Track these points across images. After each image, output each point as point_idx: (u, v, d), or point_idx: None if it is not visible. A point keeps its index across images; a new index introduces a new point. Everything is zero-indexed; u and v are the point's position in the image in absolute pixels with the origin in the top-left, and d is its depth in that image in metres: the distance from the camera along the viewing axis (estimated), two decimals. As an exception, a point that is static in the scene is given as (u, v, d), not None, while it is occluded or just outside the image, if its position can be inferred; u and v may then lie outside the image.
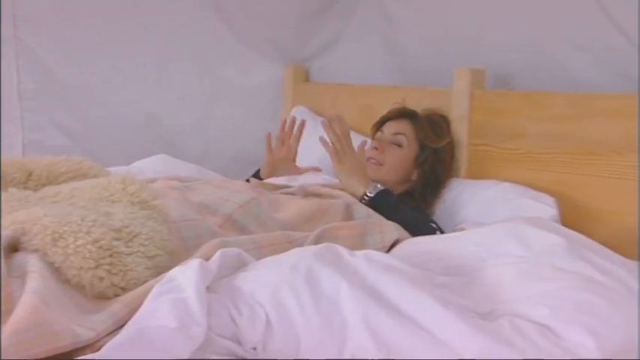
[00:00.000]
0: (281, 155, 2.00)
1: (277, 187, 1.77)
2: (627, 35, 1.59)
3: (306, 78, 2.54)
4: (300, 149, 2.26)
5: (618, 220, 1.48)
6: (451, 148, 1.84)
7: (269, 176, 1.97)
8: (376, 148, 1.80)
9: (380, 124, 1.88)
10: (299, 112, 2.42)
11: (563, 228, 1.29)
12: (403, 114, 1.85)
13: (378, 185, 1.68)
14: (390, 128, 1.84)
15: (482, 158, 1.80)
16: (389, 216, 1.53)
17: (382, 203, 1.61)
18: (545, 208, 1.53)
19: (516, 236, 1.21)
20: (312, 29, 2.45)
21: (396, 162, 1.79)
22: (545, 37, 1.77)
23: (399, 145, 1.80)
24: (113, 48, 2.24)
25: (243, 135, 2.49)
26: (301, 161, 2.20)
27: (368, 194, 1.65)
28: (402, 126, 1.82)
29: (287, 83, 2.52)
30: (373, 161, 1.79)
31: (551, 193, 1.57)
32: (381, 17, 2.24)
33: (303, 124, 2.00)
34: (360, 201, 1.64)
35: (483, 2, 1.91)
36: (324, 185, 1.75)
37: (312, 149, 2.21)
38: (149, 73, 2.32)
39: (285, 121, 2.02)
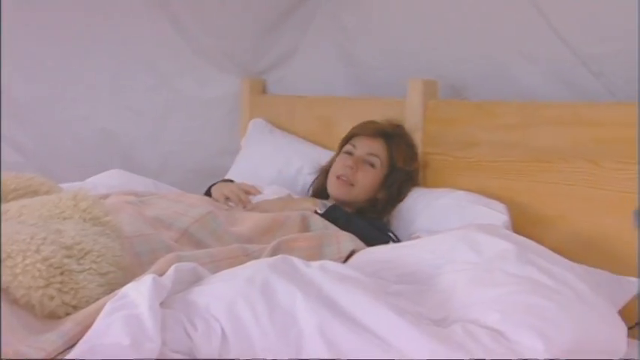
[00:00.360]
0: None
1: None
2: (571, 47, 1.65)
3: (264, 90, 2.54)
4: (259, 162, 2.27)
5: (567, 225, 1.52)
6: (418, 170, 1.84)
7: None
8: (351, 167, 1.76)
9: (351, 137, 1.84)
10: (256, 125, 2.43)
11: (513, 234, 1.32)
12: (379, 133, 1.80)
13: (327, 202, 1.69)
14: (364, 147, 1.79)
15: (437, 167, 1.83)
16: (342, 229, 1.54)
17: (333, 220, 1.61)
18: (497, 214, 1.56)
19: (468, 243, 1.23)
20: (269, 41, 2.46)
21: (368, 183, 1.76)
22: (495, 49, 1.82)
23: (372, 166, 1.77)
24: (66, 62, 2.21)
25: (200, 148, 2.48)
26: (261, 173, 2.20)
27: (317, 212, 1.65)
28: (377, 146, 1.78)
29: (244, 95, 2.52)
30: (344, 179, 1.76)
31: (503, 200, 1.61)
32: (337, 29, 2.26)
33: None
34: None
35: (435, 16, 1.95)
36: (280, 199, 1.76)
37: (271, 161, 2.23)
38: (103, 86, 2.30)
39: None
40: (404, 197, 1.79)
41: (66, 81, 2.23)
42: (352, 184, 1.76)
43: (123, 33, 2.28)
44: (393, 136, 1.81)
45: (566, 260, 1.21)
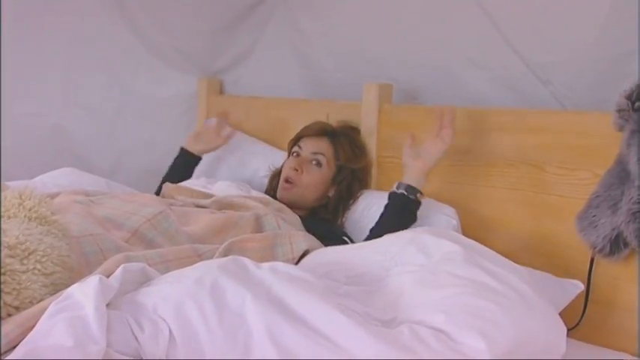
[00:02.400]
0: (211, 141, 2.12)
1: (193, 193, 1.77)
2: (521, 55, 1.69)
3: (220, 90, 2.53)
4: (215, 162, 2.26)
5: (513, 228, 1.56)
6: (369, 166, 1.87)
7: (192, 145, 2.09)
8: (295, 169, 1.79)
9: (297, 139, 1.87)
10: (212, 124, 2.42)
11: (461, 237, 1.35)
12: (323, 132, 1.84)
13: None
14: (309, 147, 1.83)
15: (390, 170, 1.85)
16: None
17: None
18: (447, 218, 1.59)
19: (417, 245, 1.26)
20: (225, 41, 2.45)
21: (313, 182, 1.79)
22: (447, 56, 1.85)
23: (318, 165, 1.80)
24: (15, 56, 2.15)
25: (155, 147, 2.45)
26: (217, 173, 2.19)
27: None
28: (322, 145, 1.81)
29: (201, 95, 2.50)
30: (291, 182, 1.79)
31: (452, 204, 1.64)
32: (293, 31, 2.27)
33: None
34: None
35: (390, 21, 1.98)
36: (240, 196, 1.75)
37: (226, 162, 2.22)
38: (55, 83, 2.25)
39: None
40: (354, 197, 1.81)
41: (15, 75, 2.16)
42: (299, 186, 1.78)
43: (76, 30, 2.24)
44: (338, 134, 1.84)
45: (511, 262, 1.25)
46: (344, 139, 1.83)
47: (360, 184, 1.83)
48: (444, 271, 1.19)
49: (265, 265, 1.11)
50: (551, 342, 1.12)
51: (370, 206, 1.78)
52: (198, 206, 1.69)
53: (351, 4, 2.09)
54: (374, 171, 1.89)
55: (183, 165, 2.09)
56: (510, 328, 1.05)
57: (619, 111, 1.31)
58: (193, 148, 2.09)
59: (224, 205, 1.68)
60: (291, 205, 1.76)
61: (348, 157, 1.81)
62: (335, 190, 1.81)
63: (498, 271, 1.19)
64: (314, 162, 1.80)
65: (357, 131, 1.89)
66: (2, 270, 0.94)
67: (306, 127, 1.88)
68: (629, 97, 1.29)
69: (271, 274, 1.07)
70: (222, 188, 1.90)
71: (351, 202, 1.81)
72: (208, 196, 1.76)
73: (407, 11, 1.93)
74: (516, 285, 1.16)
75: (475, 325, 1.03)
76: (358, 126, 1.92)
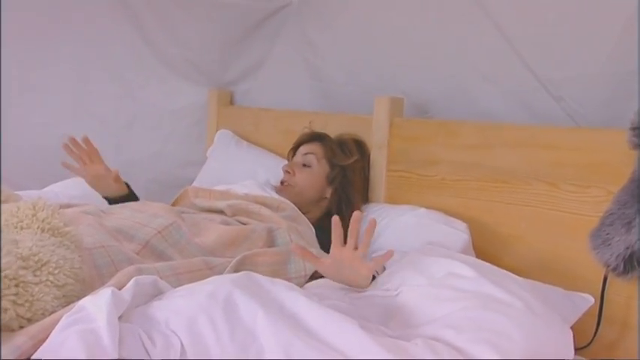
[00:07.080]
0: (94, 173, 1.86)
1: (212, 193, 1.79)
2: (533, 71, 1.69)
3: (231, 101, 2.54)
4: (224, 174, 2.25)
5: (524, 245, 1.55)
6: (361, 168, 1.89)
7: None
8: (288, 172, 1.87)
9: (294, 150, 1.95)
10: (223, 136, 2.42)
11: (456, 253, 1.37)
12: (313, 137, 1.93)
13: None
14: (301, 151, 1.91)
15: (401, 184, 1.85)
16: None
17: None
18: (458, 233, 1.58)
19: (418, 269, 1.28)
20: (236, 53, 2.46)
21: (307, 182, 1.85)
22: (458, 70, 1.85)
23: (309, 166, 1.86)
24: (27, 67, 2.16)
25: (165, 158, 2.46)
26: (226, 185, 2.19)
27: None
28: (312, 147, 1.89)
29: (211, 106, 2.51)
30: (285, 184, 1.86)
31: (464, 219, 1.63)
32: (304, 44, 2.27)
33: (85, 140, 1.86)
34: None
35: (401, 35, 1.98)
36: (257, 199, 1.75)
37: (236, 173, 2.21)
38: (66, 93, 2.26)
39: (68, 146, 1.86)
40: (353, 202, 1.81)
41: (26, 86, 2.18)
42: (293, 186, 1.85)
43: (88, 41, 2.25)
44: (327, 137, 1.92)
45: (511, 274, 1.26)
46: (333, 141, 1.90)
47: (352, 186, 1.85)
48: (448, 286, 1.19)
49: (279, 281, 1.11)
50: (561, 348, 1.11)
51: (381, 219, 1.77)
52: (212, 210, 1.69)
53: (363, 18, 2.09)
54: (384, 184, 1.88)
55: None
56: (520, 337, 1.04)
57: (633, 129, 1.30)
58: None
59: (239, 210, 1.68)
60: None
61: (335, 153, 1.86)
62: (332, 191, 1.84)
63: (501, 282, 1.19)
64: (305, 163, 1.87)
65: (352, 137, 1.92)
66: (15, 282, 0.94)
67: (299, 137, 1.96)
68: (643, 116, 1.28)
69: (285, 289, 1.07)
70: (245, 184, 1.92)
71: (354, 209, 1.79)
72: (226, 195, 1.78)
73: (419, 25, 1.93)
74: (521, 294, 1.16)
75: (486, 338, 1.03)
76: (365, 138, 1.93)
